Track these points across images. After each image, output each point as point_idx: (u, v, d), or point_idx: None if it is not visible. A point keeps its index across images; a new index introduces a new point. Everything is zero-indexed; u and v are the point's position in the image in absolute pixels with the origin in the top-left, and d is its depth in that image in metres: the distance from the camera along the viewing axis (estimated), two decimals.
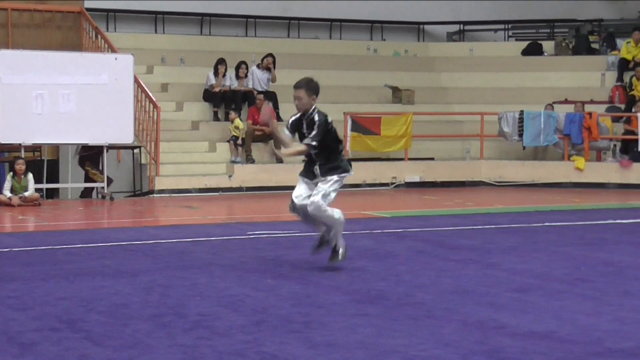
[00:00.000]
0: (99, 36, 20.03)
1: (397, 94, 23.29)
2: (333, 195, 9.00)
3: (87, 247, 10.80)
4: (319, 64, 23.63)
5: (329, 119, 9.17)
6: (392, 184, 20.50)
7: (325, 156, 9.08)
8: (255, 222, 13.77)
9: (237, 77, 21.02)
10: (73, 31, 20.70)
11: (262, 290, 8.07)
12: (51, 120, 16.96)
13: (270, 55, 21.35)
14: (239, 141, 19.54)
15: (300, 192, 9.06)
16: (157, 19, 24.30)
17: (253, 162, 19.53)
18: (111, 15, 23.71)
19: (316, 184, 9.02)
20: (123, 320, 6.87)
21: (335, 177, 9.05)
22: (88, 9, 21.04)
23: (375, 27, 26.61)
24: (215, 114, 20.87)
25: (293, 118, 9.32)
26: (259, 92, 20.52)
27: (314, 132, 9.01)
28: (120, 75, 17.58)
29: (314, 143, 8.97)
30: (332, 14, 26.00)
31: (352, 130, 20.29)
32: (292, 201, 9.06)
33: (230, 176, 19.04)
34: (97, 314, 7.07)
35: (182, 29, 24.41)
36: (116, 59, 17.85)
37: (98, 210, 16.08)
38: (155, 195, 18.15)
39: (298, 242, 11.31)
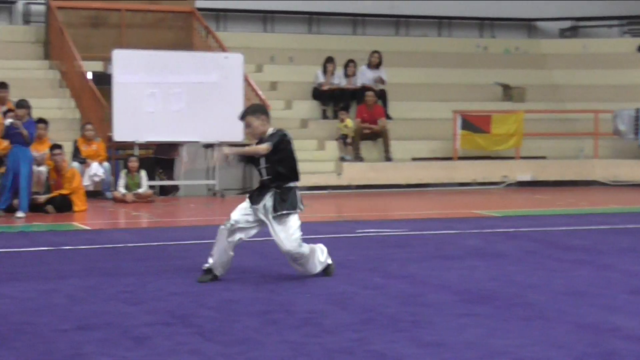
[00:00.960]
0: (210, 35, 20.31)
1: (508, 92, 23.00)
2: (298, 233, 8.43)
3: (198, 244, 10.93)
4: (427, 62, 23.52)
5: (288, 136, 8.47)
6: (503, 182, 20.26)
7: (279, 183, 8.39)
8: (363, 220, 13.76)
9: (346, 75, 21.03)
10: (184, 31, 21.04)
11: (371, 289, 8.05)
12: (163, 119, 17.24)
13: (377, 52, 21.28)
14: (348, 139, 19.57)
15: (238, 218, 8.34)
16: (267, 18, 24.50)
17: (362, 160, 19.53)
18: (221, 15, 23.99)
19: (264, 214, 8.31)
20: (233, 316, 6.93)
21: (291, 217, 8.40)
22: (199, 9, 21.35)
23: (485, 24, 26.33)
24: (324, 112, 20.93)
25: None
26: (368, 90, 20.46)
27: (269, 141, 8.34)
28: (230, 74, 17.76)
29: (267, 145, 8.25)
30: (440, 12, 25.81)
31: (462, 128, 20.14)
32: (230, 221, 8.32)
33: (339, 174, 19.08)
34: (208, 310, 7.15)
35: (291, 28, 24.55)
36: (226, 57, 18.05)
37: (209, 207, 16.27)
38: None
39: (406, 241, 11.27)
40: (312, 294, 7.79)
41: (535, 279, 8.60)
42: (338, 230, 12.31)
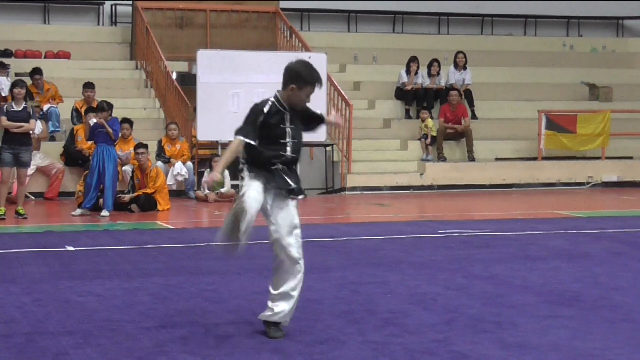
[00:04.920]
0: (293, 35, 20.38)
1: (594, 91, 22.66)
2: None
3: None
4: (512, 61, 23.30)
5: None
6: (588, 183, 19.96)
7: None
8: (446, 220, 13.68)
9: (429, 75, 20.92)
10: (268, 31, 21.17)
11: (453, 289, 7.99)
12: None
13: (461, 53, 21.11)
14: (427, 140, 19.46)
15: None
16: (350, 17, 24.49)
17: (444, 160, 19.41)
18: (305, 15, 24.06)
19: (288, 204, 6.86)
20: (315, 315, 6.94)
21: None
22: (283, 9, 21.45)
23: (571, 22, 25.98)
24: (407, 112, 20.84)
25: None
26: (452, 90, 20.29)
27: None
28: None
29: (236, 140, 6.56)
30: (526, 10, 25.55)
31: (547, 128, 19.89)
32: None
33: (421, 174, 18.99)
34: None
35: (374, 28, 24.52)
36: (310, 57, 17.99)
37: None
38: (346, 192, 18.29)
39: (489, 241, 11.17)
40: (394, 294, 7.76)
41: (621, 280, 8.45)
42: (420, 230, 12.26)
